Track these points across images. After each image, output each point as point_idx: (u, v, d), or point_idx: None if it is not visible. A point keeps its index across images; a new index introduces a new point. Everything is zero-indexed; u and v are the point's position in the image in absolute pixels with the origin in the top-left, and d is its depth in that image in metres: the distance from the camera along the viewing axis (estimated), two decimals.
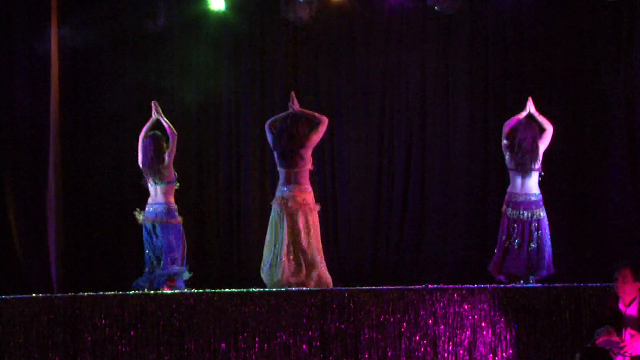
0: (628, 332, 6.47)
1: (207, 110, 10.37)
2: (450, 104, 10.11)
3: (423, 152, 10.11)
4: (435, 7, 9.64)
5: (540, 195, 8.39)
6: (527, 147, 8.31)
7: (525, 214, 8.32)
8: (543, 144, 8.43)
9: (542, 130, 8.48)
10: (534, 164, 8.34)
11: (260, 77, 10.37)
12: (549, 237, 8.38)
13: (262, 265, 8.50)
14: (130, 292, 7.92)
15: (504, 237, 8.38)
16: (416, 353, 7.47)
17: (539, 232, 8.31)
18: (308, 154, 8.42)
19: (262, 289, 7.88)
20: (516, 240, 8.32)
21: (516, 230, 8.33)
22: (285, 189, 8.42)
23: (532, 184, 8.36)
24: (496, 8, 9.97)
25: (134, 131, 10.20)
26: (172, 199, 8.76)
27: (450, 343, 7.46)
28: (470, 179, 9.93)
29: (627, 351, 6.37)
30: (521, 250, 8.30)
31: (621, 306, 6.59)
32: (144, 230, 8.75)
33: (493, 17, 10.02)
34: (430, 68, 10.16)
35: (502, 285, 7.88)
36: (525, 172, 8.33)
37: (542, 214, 8.36)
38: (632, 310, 6.51)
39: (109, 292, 7.94)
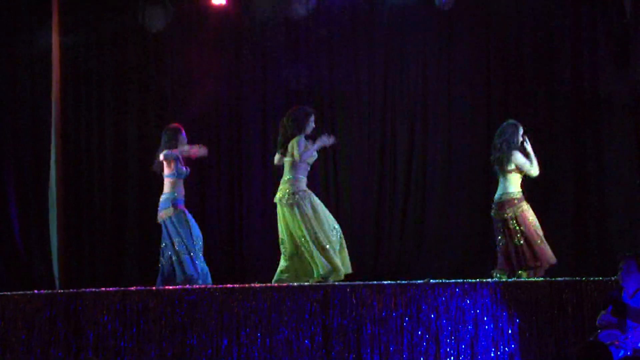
0: (630, 324, 6.46)
1: (208, 106, 10.37)
2: (452, 100, 10.09)
3: (425, 147, 10.10)
4: (435, 3, 9.65)
5: (519, 194, 8.34)
6: (504, 148, 8.34)
7: (508, 211, 8.33)
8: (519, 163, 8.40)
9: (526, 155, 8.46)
10: (507, 165, 8.34)
11: (262, 72, 10.38)
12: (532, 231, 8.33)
13: None
14: (132, 288, 7.90)
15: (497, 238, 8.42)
16: (418, 348, 7.43)
17: (521, 227, 8.28)
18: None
19: (264, 284, 7.87)
20: (502, 240, 8.35)
21: (499, 230, 8.37)
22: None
23: (509, 184, 8.35)
24: (498, 3, 9.95)
25: (136, 128, 10.28)
26: (174, 190, 8.66)
27: (453, 337, 7.41)
28: (472, 173, 9.90)
29: (629, 343, 6.36)
30: (508, 248, 8.31)
31: (625, 298, 6.59)
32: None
33: (494, 12, 9.99)
34: (432, 63, 10.15)
35: (503, 280, 7.86)
36: (500, 172, 8.37)
37: (519, 210, 8.33)
38: (635, 302, 6.52)
39: (111, 288, 7.93)
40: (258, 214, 10.30)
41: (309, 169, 8.47)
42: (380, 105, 10.24)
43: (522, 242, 8.25)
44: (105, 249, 10.17)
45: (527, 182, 8.58)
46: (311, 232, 8.21)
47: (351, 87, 10.26)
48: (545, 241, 8.26)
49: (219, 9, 10.11)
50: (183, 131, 8.76)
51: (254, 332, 7.56)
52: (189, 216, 8.66)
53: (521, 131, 8.46)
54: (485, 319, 7.41)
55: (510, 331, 7.37)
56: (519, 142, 8.38)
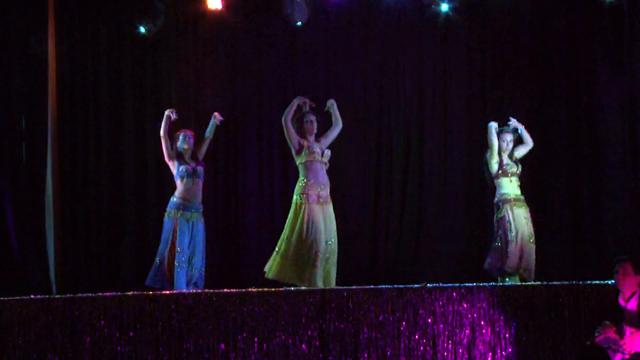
0: (627, 328, 6.47)
1: (204, 111, 10.29)
2: (448, 105, 10.09)
3: (421, 151, 10.09)
4: (432, 7, 9.64)
5: (502, 196, 8.60)
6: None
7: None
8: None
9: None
10: (487, 172, 8.84)
11: (257, 78, 10.36)
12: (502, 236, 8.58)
13: None
14: (129, 293, 7.88)
15: None
16: (415, 352, 7.40)
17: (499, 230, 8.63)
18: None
19: (260, 289, 7.83)
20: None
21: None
22: None
23: (497, 187, 8.73)
24: (493, 10, 9.95)
25: (133, 133, 10.24)
26: (175, 193, 8.86)
27: (450, 342, 7.39)
28: (468, 178, 9.89)
29: (626, 348, 6.35)
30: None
31: (621, 301, 6.61)
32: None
33: (490, 18, 9.99)
34: (428, 69, 10.14)
35: (500, 284, 7.88)
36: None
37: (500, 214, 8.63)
38: (631, 305, 6.53)
39: (108, 293, 7.91)
40: (254, 219, 10.28)
41: (316, 169, 8.51)
42: (376, 110, 10.23)
43: (498, 244, 8.57)
44: (102, 254, 10.13)
45: (525, 185, 8.67)
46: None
47: (347, 92, 10.22)
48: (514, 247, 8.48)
49: (215, 13, 10.07)
50: (180, 134, 8.88)
51: (250, 337, 7.52)
52: (180, 226, 8.74)
53: (502, 137, 8.71)
54: (482, 323, 7.39)
55: (507, 335, 7.36)
56: (494, 142, 8.65)
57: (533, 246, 8.57)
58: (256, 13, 10.30)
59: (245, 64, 10.37)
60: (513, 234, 8.49)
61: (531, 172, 8.88)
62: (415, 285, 7.64)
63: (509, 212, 8.55)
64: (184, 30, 10.35)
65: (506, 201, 8.58)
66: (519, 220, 8.55)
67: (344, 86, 10.26)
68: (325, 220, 8.42)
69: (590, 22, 9.66)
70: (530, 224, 8.62)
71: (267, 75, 10.36)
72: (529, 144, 8.79)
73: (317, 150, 8.54)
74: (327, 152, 8.64)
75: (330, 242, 8.39)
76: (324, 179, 8.58)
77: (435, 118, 10.11)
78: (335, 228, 8.52)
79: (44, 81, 9.94)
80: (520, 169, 8.71)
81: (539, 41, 9.86)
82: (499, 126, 8.80)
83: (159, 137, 8.91)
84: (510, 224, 8.52)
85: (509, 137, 8.69)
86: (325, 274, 8.35)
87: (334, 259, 8.43)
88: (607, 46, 9.55)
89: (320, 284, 8.20)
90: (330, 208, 8.55)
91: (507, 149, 8.69)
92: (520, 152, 8.78)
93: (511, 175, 8.63)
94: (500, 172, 8.64)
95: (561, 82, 9.76)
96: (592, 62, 9.64)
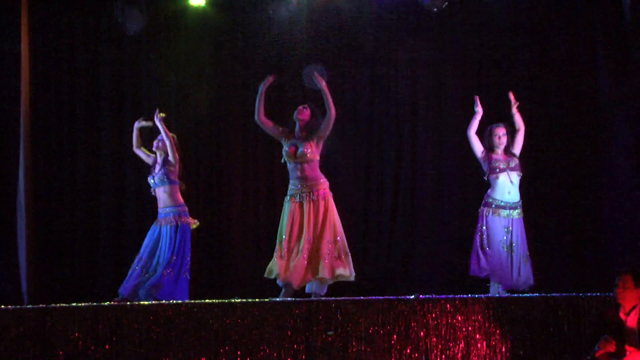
0: (628, 343, 6.41)
1: (187, 109, 10.25)
2: (442, 109, 10.12)
3: (414, 157, 10.13)
4: (424, 5, 9.58)
5: (487, 198, 8.56)
6: None
7: None
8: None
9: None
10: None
11: (242, 75, 10.27)
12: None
13: None
14: (105, 304, 7.78)
15: None
16: None
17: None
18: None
19: (244, 300, 7.74)
20: None
21: None
22: None
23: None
24: (490, 7, 9.95)
25: (109, 135, 10.08)
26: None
27: (443, 356, 7.33)
28: (462, 185, 9.90)
29: None
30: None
31: (622, 315, 6.56)
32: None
33: (487, 16, 10.01)
34: (422, 68, 10.15)
35: (497, 296, 7.91)
36: None
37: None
38: (632, 319, 6.49)
39: (82, 304, 7.74)
40: (239, 226, 10.20)
41: (292, 168, 8.43)
42: (367, 114, 10.23)
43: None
44: (76, 263, 10.01)
45: (523, 194, 8.63)
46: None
47: (336, 94, 10.05)
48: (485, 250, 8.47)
49: (198, 9, 10.04)
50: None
51: (233, 350, 7.41)
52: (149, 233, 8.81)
53: (494, 132, 8.55)
54: (477, 336, 7.37)
55: (503, 349, 7.33)
56: (490, 144, 8.55)
57: (510, 257, 8.46)
58: (240, 9, 10.24)
59: (229, 62, 10.30)
60: (485, 240, 8.44)
61: (530, 180, 8.82)
62: (407, 297, 7.55)
63: (485, 218, 8.46)
64: (165, 27, 10.29)
65: (487, 205, 8.51)
66: (495, 229, 8.44)
67: (333, 86, 10.06)
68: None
69: (592, 25, 9.70)
70: (513, 235, 8.40)
71: (251, 73, 10.20)
72: (520, 128, 8.58)
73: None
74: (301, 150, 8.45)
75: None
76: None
77: (429, 121, 10.15)
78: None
79: (17, 80, 9.77)
80: (514, 162, 8.48)
81: (538, 37, 9.89)
82: (490, 122, 8.61)
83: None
84: (484, 227, 8.46)
85: (501, 132, 8.50)
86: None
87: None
88: (610, 49, 9.58)
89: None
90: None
91: (500, 143, 8.50)
92: (517, 141, 8.57)
93: (500, 172, 8.43)
94: (488, 170, 8.50)
95: (562, 84, 9.79)
96: (594, 66, 9.71)
